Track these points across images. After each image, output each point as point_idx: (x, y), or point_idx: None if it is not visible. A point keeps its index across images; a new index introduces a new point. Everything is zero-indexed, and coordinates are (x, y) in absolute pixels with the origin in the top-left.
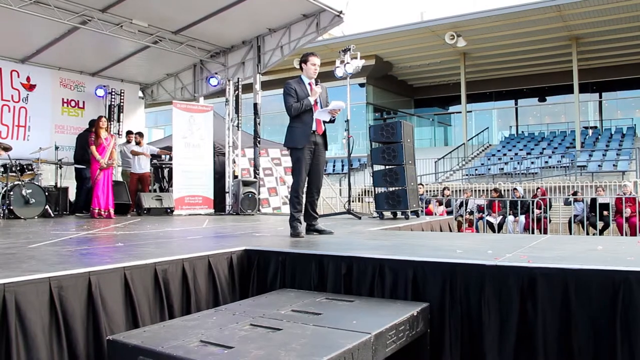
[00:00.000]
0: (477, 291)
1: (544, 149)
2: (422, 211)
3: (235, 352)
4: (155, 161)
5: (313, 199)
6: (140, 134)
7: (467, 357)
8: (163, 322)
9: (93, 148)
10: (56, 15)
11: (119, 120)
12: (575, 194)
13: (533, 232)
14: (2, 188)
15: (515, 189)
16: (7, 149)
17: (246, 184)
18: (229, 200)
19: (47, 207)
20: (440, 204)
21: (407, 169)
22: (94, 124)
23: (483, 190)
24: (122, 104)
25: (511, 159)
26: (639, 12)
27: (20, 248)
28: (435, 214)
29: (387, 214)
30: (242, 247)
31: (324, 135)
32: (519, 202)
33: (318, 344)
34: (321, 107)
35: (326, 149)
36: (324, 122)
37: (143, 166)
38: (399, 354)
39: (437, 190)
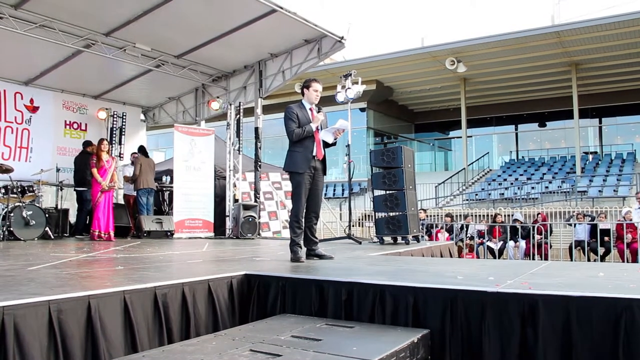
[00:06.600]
0: (478, 318)
1: (544, 174)
2: (422, 236)
3: None
4: (156, 184)
5: (312, 224)
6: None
7: None
8: (162, 346)
9: (94, 170)
10: (60, 39)
11: (120, 143)
12: (584, 216)
13: (534, 258)
14: (3, 209)
15: (515, 219)
16: (8, 170)
17: (246, 207)
18: (229, 224)
19: (47, 228)
20: (445, 230)
21: (407, 194)
22: (88, 145)
23: (483, 216)
24: (124, 126)
25: (511, 184)
26: (638, 39)
27: (19, 270)
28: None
29: (388, 239)
30: (242, 272)
31: (323, 160)
32: (519, 227)
33: None
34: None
35: (325, 174)
36: (326, 144)
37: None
38: None
39: (438, 216)
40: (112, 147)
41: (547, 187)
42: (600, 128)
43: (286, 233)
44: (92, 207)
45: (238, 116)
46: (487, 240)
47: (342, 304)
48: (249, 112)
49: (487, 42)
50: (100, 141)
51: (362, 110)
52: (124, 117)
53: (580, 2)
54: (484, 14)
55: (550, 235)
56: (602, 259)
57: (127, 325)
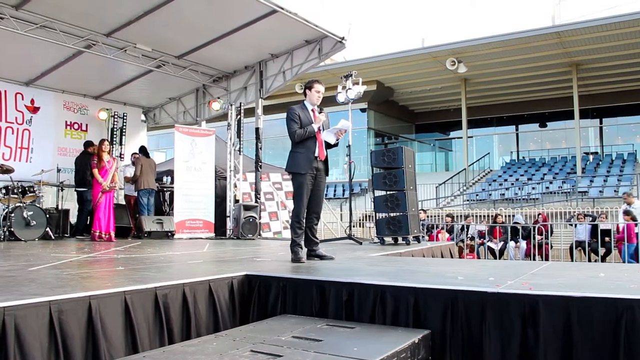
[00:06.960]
0: (479, 318)
1: (544, 174)
2: (423, 237)
3: None
4: (157, 185)
5: (312, 224)
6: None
7: None
8: (163, 347)
9: (95, 171)
10: (61, 39)
11: (121, 143)
12: (584, 217)
13: (534, 258)
14: (4, 210)
15: (516, 222)
16: (9, 170)
17: (247, 208)
18: (229, 224)
19: (47, 229)
20: (446, 230)
21: (408, 194)
22: (89, 146)
23: (484, 216)
24: (124, 127)
25: (512, 184)
26: (639, 39)
27: (20, 271)
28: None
29: (388, 239)
30: (243, 272)
31: (325, 161)
32: (520, 227)
33: None
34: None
35: (327, 174)
36: (328, 145)
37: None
38: None
39: (438, 216)
40: (112, 147)
41: (547, 188)
42: (601, 128)
43: (287, 234)
44: (92, 207)
45: (239, 117)
46: (488, 241)
47: (343, 304)
48: (250, 112)
49: (488, 42)
50: (101, 142)
51: (362, 110)
52: (125, 117)
53: (581, 2)
54: (485, 14)
55: (551, 235)
56: (603, 259)
57: (127, 325)
